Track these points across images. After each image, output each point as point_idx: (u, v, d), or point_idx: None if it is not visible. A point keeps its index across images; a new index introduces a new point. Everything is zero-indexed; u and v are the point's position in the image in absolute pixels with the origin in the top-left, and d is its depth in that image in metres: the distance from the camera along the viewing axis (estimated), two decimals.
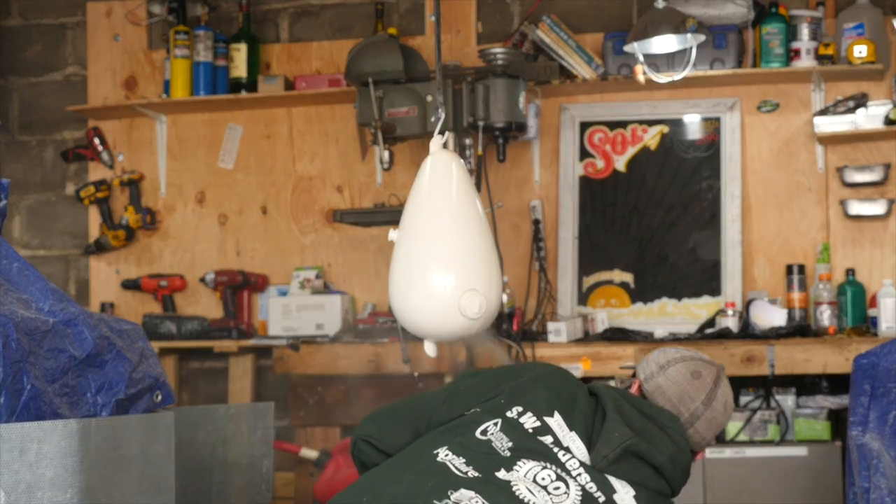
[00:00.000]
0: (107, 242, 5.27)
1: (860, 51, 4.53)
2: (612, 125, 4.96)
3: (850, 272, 4.65)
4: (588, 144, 4.97)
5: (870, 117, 4.58)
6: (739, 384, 4.45)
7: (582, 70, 4.80)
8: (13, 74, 5.50)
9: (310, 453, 4.31)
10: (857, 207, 4.68)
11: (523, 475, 2.45)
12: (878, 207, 4.66)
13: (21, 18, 5.52)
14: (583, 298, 4.88)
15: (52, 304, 2.35)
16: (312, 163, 5.20)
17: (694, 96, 4.87)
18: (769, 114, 4.83)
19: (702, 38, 4.33)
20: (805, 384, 4.47)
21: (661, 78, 4.57)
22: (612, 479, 2.50)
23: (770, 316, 4.54)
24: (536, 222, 4.91)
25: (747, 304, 4.61)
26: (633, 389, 2.78)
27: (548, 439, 2.52)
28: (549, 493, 2.43)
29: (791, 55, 4.66)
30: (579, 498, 2.45)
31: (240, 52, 5.11)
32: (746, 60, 4.78)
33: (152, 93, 5.31)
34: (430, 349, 3.31)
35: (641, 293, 4.85)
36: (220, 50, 5.16)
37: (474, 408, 2.60)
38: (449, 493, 2.37)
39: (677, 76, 4.51)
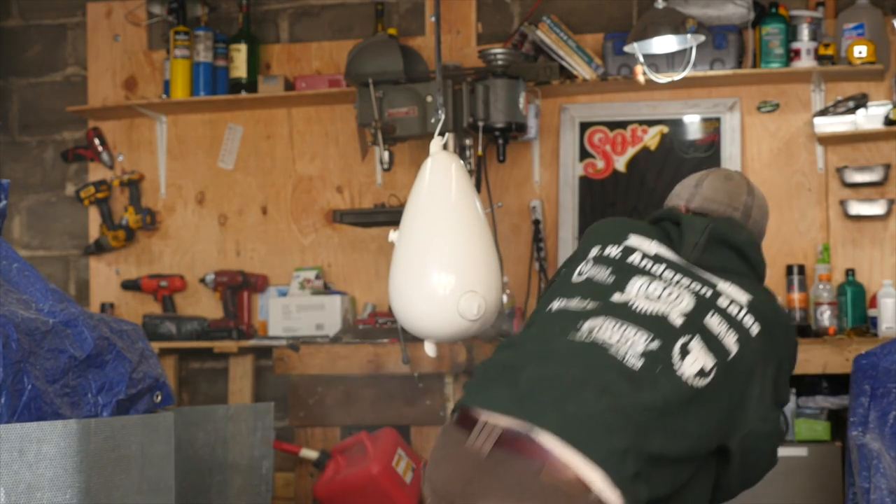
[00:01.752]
0: (107, 243, 5.27)
1: (860, 51, 4.53)
2: (612, 125, 4.96)
3: (850, 272, 4.65)
4: (588, 145, 4.97)
5: (870, 118, 4.58)
6: None
7: (582, 70, 4.80)
8: (13, 75, 5.50)
9: (310, 453, 4.31)
10: (856, 208, 4.68)
11: (635, 293, 2.49)
12: (877, 208, 4.66)
13: (21, 19, 5.52)
14: None
15: (53, 304, 2.35)
16: (312, 163, 5.20)
17: (694, 96, 4.87)
18: (769, 114, 4.83)
19: (702, 38, 4.33)
20: (805, 384, 4.47)
21: (661, 78, 4.57)
22: (708, 274, 2.56)
23: None
24: (536, 222, 4.91)
25: None
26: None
27: (637, 257, 2.60)
28: (665, 303, 2.46)
29: (791, 55, 4.66)
30: (692, 299, 2.48)
31: (240, 53, 5.11)
32: (746, 61, 4.78)
33: (152, 93, 5.31)
34: (430, 349, 3.31)
35: None
36: (220, 50, 5.16)
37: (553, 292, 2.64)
38: (578, 326, 2.41)
39: (677, 76, 4.51)
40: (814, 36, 4.64)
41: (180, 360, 5.21)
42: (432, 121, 4.02)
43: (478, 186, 4.34)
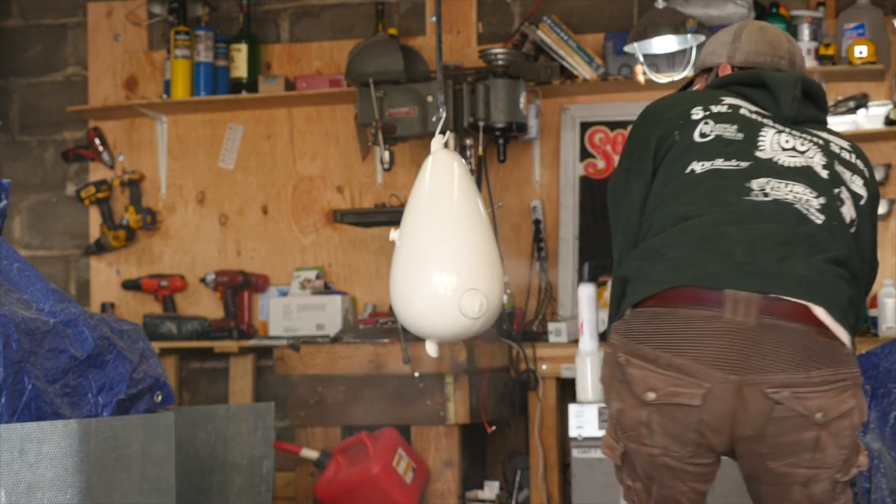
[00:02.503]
0: (107, 243, 5.27)
1: (861, 51, 4.53)
2: (613, 125, 4.96)
3: None
4: (588, 145, 4.97)
5: (870, 117, 4.57)
6: None
7: (582, 70, 4.80)
8: (14, 75, 5.50)
9: (310, 453, 4.31)
10: None
11: (770, 148, 2.37)
12: (878, 207, 4.66)
13: (21, 19, 5.52)
14: None
15: (53, 304, 2.35)
16: (313, 163, 5.20)
17: None
18: None
19: (702, 38, 4.33)
20: None
21: (662, 78, 4.57)
22: (809, 126, 2.48)
23: None
24: (537, 222, 4.91)
25: None
26: (726, 73, 2.65)
27: (748, 112, 2.45)
28: (802, 154, 2.38)
29: None
30: (818, 149, 2.41)
31: (240, 53, 5.11)
32: None
33: (153, 93, 5.31)
34: (431, 349, 3.31)
35: None
36: (221, 50, 5.16)
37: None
38: (748, 185, 2.30)
39: (677, 76, 4.51)
40: (814, 36, 4.64)
41: (181, 360, 5.21)
42: (433, 120, 4.02)
43: (478, 186, 4.33)
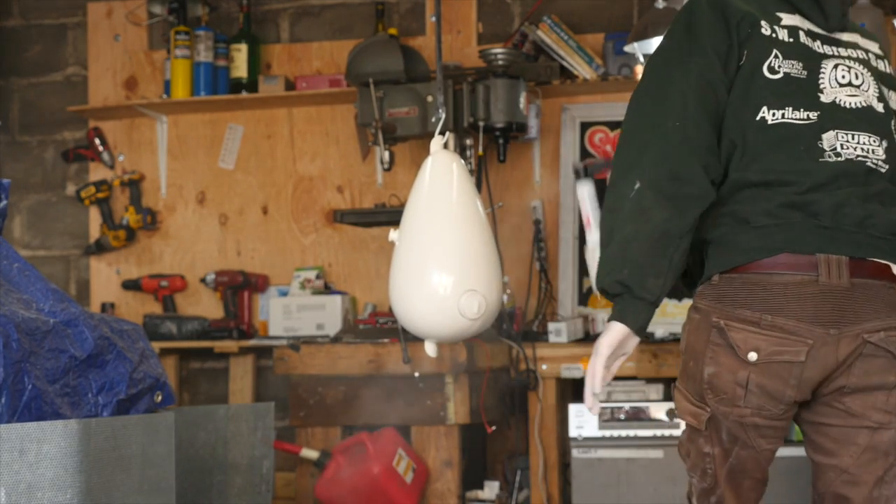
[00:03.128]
0: (107, 243, 5.27)
1: None
2: (613, 125, 4.96)
3: None
4: (589, 145, 4.97)
5: None
6: None
7: (582, 70, 4.80)
8: (13, 75, 5.50)
9: (310, 453, 4.31)
10: None
11: (831, 86, 2.41)
12: None
13: (21, 19, 5.52)
14: (583, 299, 4.88)
15: (53, 304, 2.35)
16: (313, 163, 5.20)
17: None
18: None
19: None
20: None
21: None
22: (851, 37, 2.49)
23: None
24: (537, 223, 4.91)
25: None
26: None
27: (804, 37, 2.45)
28: (858, 87, 2.43)
29: None
30: (870, 75, 2.46)
31: (240, 53, 5.11)
32: None
33: (153, 93, 5.31)
34: (430, 349, 3.31)
35: None
36: (221, 50, 5.16)
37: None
38: (820, 145, 2.36)
39: None
40: None
41: (181, 360, 5.21)
42: (433, 120, 4.02)
43: (478, 186, 4.34)
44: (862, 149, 2.38)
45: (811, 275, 2.31)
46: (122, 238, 5.26)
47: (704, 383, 2.35)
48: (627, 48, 4.48)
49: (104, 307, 5.29)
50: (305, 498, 4.43)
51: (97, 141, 5.31)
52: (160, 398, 2.53)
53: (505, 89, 4.40)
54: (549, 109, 4.97)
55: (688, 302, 4.76)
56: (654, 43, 4.40)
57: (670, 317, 4.80)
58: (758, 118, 2.37)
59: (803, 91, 2.39)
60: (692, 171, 2.31)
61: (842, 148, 2.36)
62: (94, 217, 5.36)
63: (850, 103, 2.40)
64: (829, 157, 2.35)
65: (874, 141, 2.40)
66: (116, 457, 2.30)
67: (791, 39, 2.43)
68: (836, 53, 2.46)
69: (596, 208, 4.14)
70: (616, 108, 4.96)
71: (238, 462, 3.10)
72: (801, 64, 2.41)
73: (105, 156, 5.33)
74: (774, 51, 2.40)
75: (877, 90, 2.46)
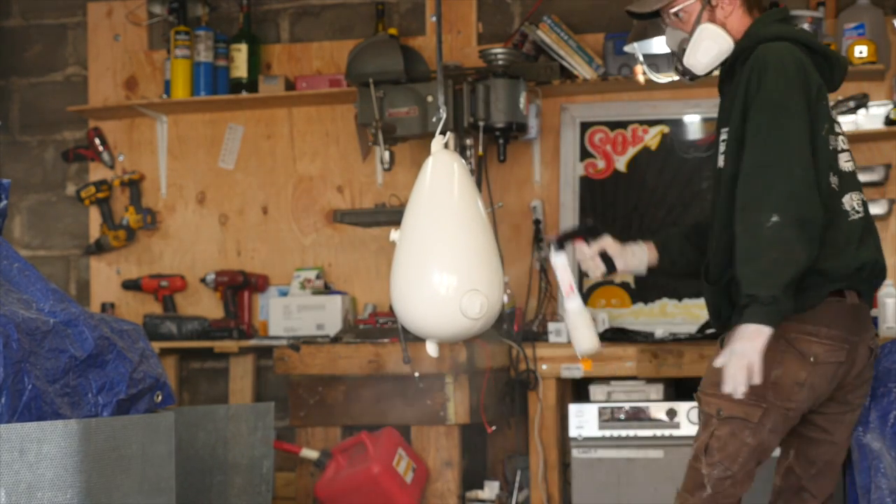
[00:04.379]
0: (107, 243, 5.27)
1: (861, 51, 4.53)
2: (613, 125, 4.96)
3: None
4: (588, 145, 4.97)
5: (870, 117, 4.57)
6: None
7: (582, 70, 4.80)
8: (14, 75, 5.50)
9: (310, 453, 4.31)
10: None
11: (838, 152, 2.92)
12: (878, 207, 4.66)
13: (21, 19, 5.52)
14: (583, 299, 4.87)
15: (53, 304, 2.35)
16: (313, 163, 5.20)
17: (694, 96, 4.86)
18: None
19: None
20: None
21: (662, 78, 4.56)
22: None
23: None
24: (537, 222, 4.91)
25: None
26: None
27: (826, 107, 2.92)
28: (847, 152, 2.94)
29: None
30: (845, 144, 2.96)
31: (240, 53, 5.11)
32: None
33: (153, 93, 5.31)
34: (431, 349, 3.31)
35: (642, 293, 4.85)
36: (221, 50, 5.16)
37: None
38: (843, 206, 2.87)
39: (677, 76, 4.50)
40: (814, 36, 4.64)
41: (181, 360, 5.21)
42: (433, 120, 4.02)
43: (478, 186, 4.33)
44: (861, 205, 2.92)
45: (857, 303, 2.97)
46: (122, 238, 5.26)
47: (770, 382, 2.78)
48: (627, 48, 4.47)
49: (104, 307, 5.29)
50: (305, 498, 4.43)
51: (97, 141, 5.31)
52: (160, 398, 2.54)
53: (505, 89, 4.40)
54: (549, 109, 4.97)
55: (687, 301, 4.77)
56: (654, 43, 4.39)
57: (670, 317, 4.80)
58: (828, 182, 2.83)
59: (832, 159, 2.87)
60: (819, 215, 2.75)
61: (852, 210, 2.88)
62: (95, 217, 5.36)
63: (847, 168, 2.91)
64: (852, 216, 2.87)
65: (860, 196, 2.93)
66: (116, 457, 2.30)
67: (829, 112, 2.89)
68: (835, 120, 2.94)
69: (573, 275, 4.09)
70: (616, 107, 4.96)
71: (238, 462, 3.10)
72: (835, 139, 2.90)
73: (105, 156, 5.33)
74: (831, 126, 2.88)
75: (850, 154, 2.96)
